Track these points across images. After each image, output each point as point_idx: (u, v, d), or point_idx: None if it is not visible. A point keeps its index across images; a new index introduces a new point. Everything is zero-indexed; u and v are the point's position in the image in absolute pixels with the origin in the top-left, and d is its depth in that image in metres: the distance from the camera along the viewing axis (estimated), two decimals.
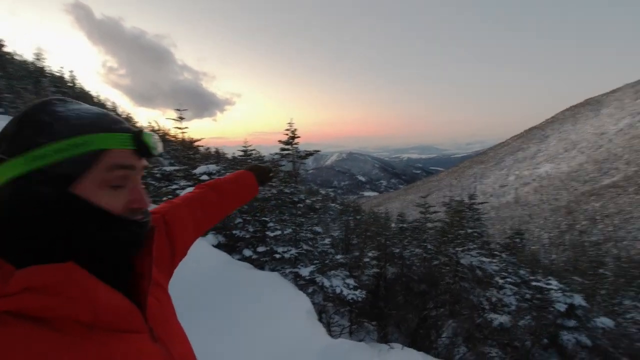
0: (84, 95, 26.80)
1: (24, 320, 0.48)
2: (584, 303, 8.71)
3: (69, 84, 25.97)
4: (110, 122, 0.62)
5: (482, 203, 13.95)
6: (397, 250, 12.54)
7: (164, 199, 9.74)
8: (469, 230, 10.97)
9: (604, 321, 8.89)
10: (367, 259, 9.62)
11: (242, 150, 11.49)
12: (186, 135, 10.49)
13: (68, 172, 0.56)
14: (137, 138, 0.63)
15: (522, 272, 10.42)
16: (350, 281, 7.63)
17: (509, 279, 9.10)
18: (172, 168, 9.35)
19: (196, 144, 10.89)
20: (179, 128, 9.82)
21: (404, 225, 14.86)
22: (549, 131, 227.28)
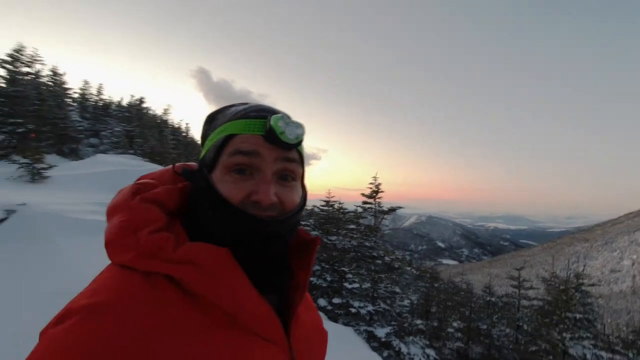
0: (193, 144, 31.19)
1: (178, 288, 0.51)
2: None
3: (183, 134, 30.44)
4: (252, 110, 0.62)
5: (592, 285, 11.84)
6: (484, 327, 11.04)
7: None
8: (578, 316, 9.24)
9: None
10: (450, 330, 8.59)
11: (325, 201, 11.78)
12: None
13: (210, 158, 0.61)
14: (266, 123, 0.59)
15: None
16: (431, 352, 6.82)
17: None
18: None
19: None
20: None
21: (492, 299, 13.21)
22: None
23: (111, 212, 0.60)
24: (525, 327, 10.60)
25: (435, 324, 11.14)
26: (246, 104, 0.65)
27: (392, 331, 6.84)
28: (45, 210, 6.81)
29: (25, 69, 15.48)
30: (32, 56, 15.75)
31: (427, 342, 7.28)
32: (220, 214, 0.57)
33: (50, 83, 17.76)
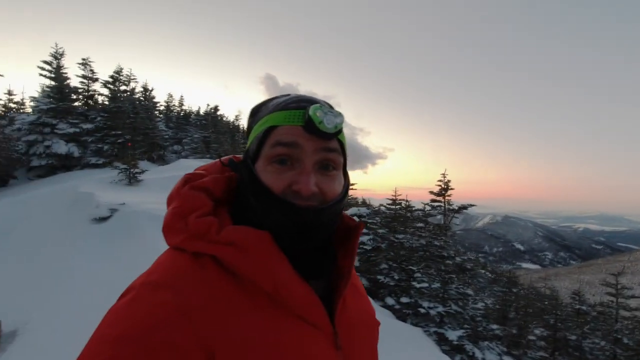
0: None
1: (223, 269, 0.56)
2: None
3: None
4: (292, 102, 0.62)
5: None
6: (573, 338, 9.98)
7: None
8: None
9: None
10: (532, 337, 7.94)
11: (391, 200, 11.62)
12: None
13: (253, 149, 0.63)
14: (305, 114, 0.59)
15: None
16: (509, 359, 6.38)
17: None
18: None
19: (350, 190, 11.65)
20: None
21: (583, 307, 11.87)
22: None
23: (169, 201, 0.66)
24: (625, 340, 9.36)
25: (514, 331, 10.37)
26: (288, 95, 0.66)
27: (464, 334, 6.55)
28: (140, 209, 7.80)
29: (123, 87, 17.86)
30: (128, 76, 18.12)
31: (505, 349, 6.82)
32: (263, 203, 0.59)
33: (142, 98, 20.16)
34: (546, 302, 16.69)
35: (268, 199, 0.58)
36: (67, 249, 6.93)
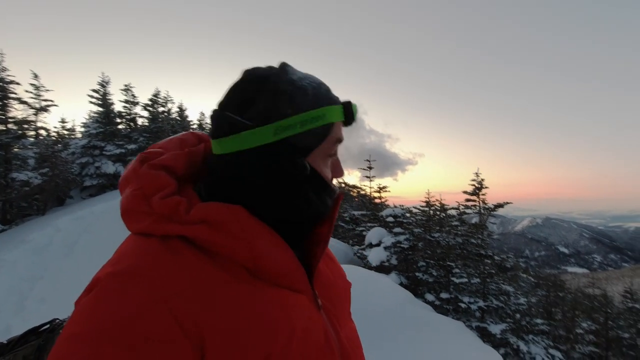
0: None
1: (193, 248, 0.52)
2: None
3: None
4: (331, 93, 0.63)
5: None
6: (627, 336, 9.52)
7: (351, 241, 10.94)
8: None
9: None
10: (580, 331, 7.73)
11: (425, 202, 11.69)
12: (372, 188, 11.71)
13: (308, 143, 0.58)
14: (347, 109, 0.62)
15: None
16: (556, 353, 6.29)
17: None
18: (359, 212, 10.43)
19: (381, 195, 11.94)
20: (368, 177, 11.07)
21: (637, 305, 11.31)
22: None
23: (123, 184, 0.61)
24: None
25: (561, 331, 10.04)
26: (316, 81, 0.62)
27: (507, 328, 6.53)
28: None
29: (161, 109, 19.08)
30: (165, 97, 19.38)
31: (551, 343, 6.71)
32: (322, 197, 0.61)
33: (178, 118, 21.39)
34: (595, 302, 15.87)
35: (328, 192, 0.62)
36: None
